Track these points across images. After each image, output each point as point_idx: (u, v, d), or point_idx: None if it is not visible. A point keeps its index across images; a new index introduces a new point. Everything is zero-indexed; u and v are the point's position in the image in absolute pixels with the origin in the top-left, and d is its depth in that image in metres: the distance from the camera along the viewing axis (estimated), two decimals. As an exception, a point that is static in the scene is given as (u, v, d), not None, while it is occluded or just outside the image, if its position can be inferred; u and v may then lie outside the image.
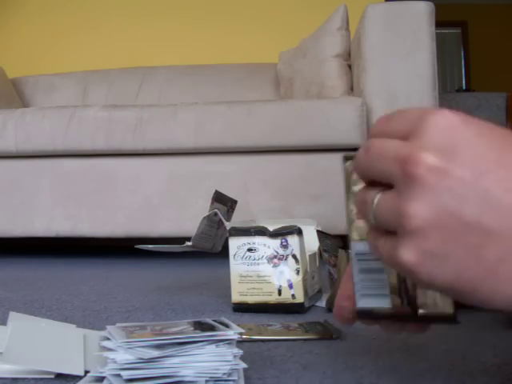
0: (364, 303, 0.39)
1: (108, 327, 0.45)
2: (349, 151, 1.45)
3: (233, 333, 0.43)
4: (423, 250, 0.26)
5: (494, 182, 0.25)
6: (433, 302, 0.37)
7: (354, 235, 0.39)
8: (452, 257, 0.26)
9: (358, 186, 0.38)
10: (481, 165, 0.25)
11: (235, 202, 0.93)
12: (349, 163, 0.38)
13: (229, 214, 0.91)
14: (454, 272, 0.26)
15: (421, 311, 0.37)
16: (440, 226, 0.26)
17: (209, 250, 0.89)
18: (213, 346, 0.42)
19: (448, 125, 0.27)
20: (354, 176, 0.38)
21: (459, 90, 5.25)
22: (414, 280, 0.28)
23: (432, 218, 0.26)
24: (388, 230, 0.29)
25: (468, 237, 0.25)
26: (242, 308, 0.75)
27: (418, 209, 0.26)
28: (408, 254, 0.27)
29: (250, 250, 0.75)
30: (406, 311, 0.38)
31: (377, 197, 0.29)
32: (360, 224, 0.38)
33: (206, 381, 0.40)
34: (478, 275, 0.25)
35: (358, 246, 0.39)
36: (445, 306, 0.37)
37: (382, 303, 0.38)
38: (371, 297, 0.39)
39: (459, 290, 0.26)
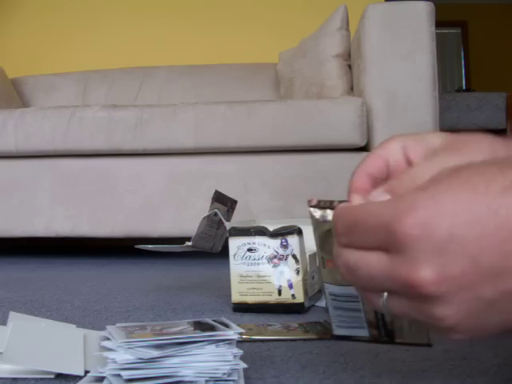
0: (341, 332, 0.40)
1: (108, 327, 0.45)
2: (349, 151, 1.45)
3: (233, 333, 0.43)
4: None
5: (496, 261, 0.25)
6: (409, 334, 0.39)
7: (326, 277, 0.39)
8: (488, 323, 0.27)
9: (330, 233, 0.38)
10: (474, 249, 0.25)
11: (235, 201, 0.93)
12: (313, 209, 0.38)
13: (229, 214, 0.91)
14: (500, 318, 0.27)
15: (398, 340, 0.39)
16: (475, 315, 0.27)
17: (209, 249, 0.89)
18: (213, 346, 0.42)
19: (420, 226, 0.26)
20: (323, 223, 0.38)
21: (459, 90, 5.24)
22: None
23: (465, 314, 0.27)
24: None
25: (493, 315, 0.27)
26: (242, 308, 0.75)
27: (453, 316, 0.27)
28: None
29: (250, 250, 0.75)
30: (384, 340, 0.39)
31: (384, 298, 0.29)
32: (331, 267, 0.39)
33: (206, 381, 0.40)
34: None
35: (331, 288, 0.39)
36: (421, 336, 0.39)
37: (360, 333, 0.39)
38: (348, 328, 0.40)
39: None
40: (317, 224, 0.38)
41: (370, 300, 0.30)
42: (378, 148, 0.36)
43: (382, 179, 0.35)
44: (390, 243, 0.27)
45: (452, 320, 0.27)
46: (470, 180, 0.26)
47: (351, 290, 0.38)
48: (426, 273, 0.26)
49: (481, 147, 0.31)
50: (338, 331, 0.40)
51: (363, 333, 0.39)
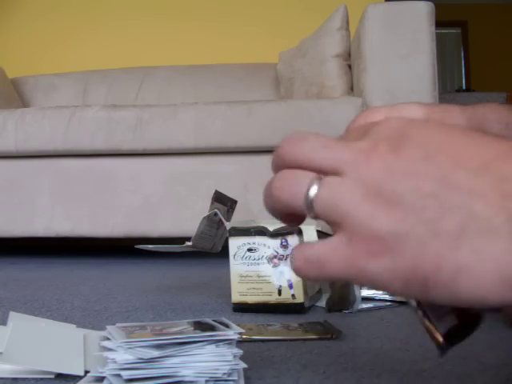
0: None
1: (108, 327, 0.45)
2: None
3: (233, 333, 0.43)
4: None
5: (444, 160, 0.26)
6: None
7: None
8: (412, 234, 0.25)
9: None
10: (431, 146, 0.26)
11: (235, 202, 0.93)
12: None
13: (229, 214, 0.91)
14: (416, 252, 0.25)
15: None
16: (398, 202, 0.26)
17: (209, 249, 0.89)
18: (213, 346, 0.42)
19: (397, 122, 0.28)
20: None
21: (459, 90, 5.25)
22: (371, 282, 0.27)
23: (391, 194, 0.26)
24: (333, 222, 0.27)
25: (425, 211, 0.25)
26: (242, 308, 0.75)
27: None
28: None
29: (250, 250, 0.75)
30: None
31: (313, 186, 0.27)
32: None
33: (206, 381, 0.40)
34: (440, 252, 0.25)
35: None
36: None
37: None
38: None
39: (421, 274, 0.25)
40: None
41: (292, 186, 0.28)
42: (362, 116, 0.35)
43: None
44: (367, 129, 0.29)
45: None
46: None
47: None
48: (379, 145, 0.27)
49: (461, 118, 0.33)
50: None
51: None
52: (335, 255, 0.27)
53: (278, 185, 0.29)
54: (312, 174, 0.28)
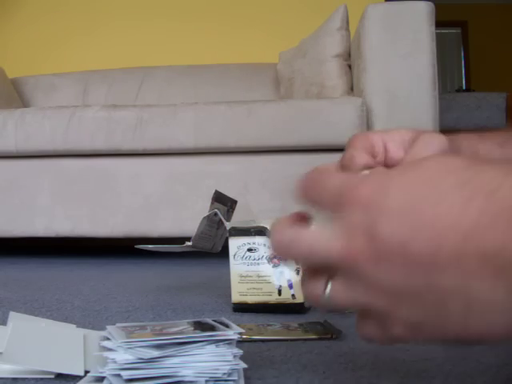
0: None
1: (108, 327, 0.45)
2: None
3: (233, 333, 0.43)
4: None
5: (423, 245, 0.25)
6: None
7: None
8: (425, 321, 0.26)
9: None
10: (406, 225, 0.25)
11: (235, 202, 0.93)
12: None
13: (229, 214, 0.91)
14: (436, 331, 0.26)
15: None
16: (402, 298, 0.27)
17: (209, 249, 0.89)
18: (213, 346, 0.42)
19: (366, 193, 0.27)
20: None
21: (459, 90, 5.25)
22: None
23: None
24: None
25: (426, 301, 0.25)
26: (242, 308, 0.75)
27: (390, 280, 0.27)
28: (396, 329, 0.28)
29: (250, 249, 0.75)
30: None
31: (328, 288, 0.29)
32: None
33: (206, 381, 0.40)
34: (456, 331, 0.26)
35: None
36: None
37: None
38: None
39: (449, 342, 0.27)
40: None
41: (311, 290, 0.30)
42: (362, 137, 0.37)
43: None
44: (335, 207, 0.28)
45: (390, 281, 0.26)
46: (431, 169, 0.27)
47: None
48: (356, 242, 0.27)
49: (440, 141, 0.33)
50: None
51: None
52: (377, 336, 0.29)
53: (305, 293, 0.31)
54: (323, 281, 0.29)
